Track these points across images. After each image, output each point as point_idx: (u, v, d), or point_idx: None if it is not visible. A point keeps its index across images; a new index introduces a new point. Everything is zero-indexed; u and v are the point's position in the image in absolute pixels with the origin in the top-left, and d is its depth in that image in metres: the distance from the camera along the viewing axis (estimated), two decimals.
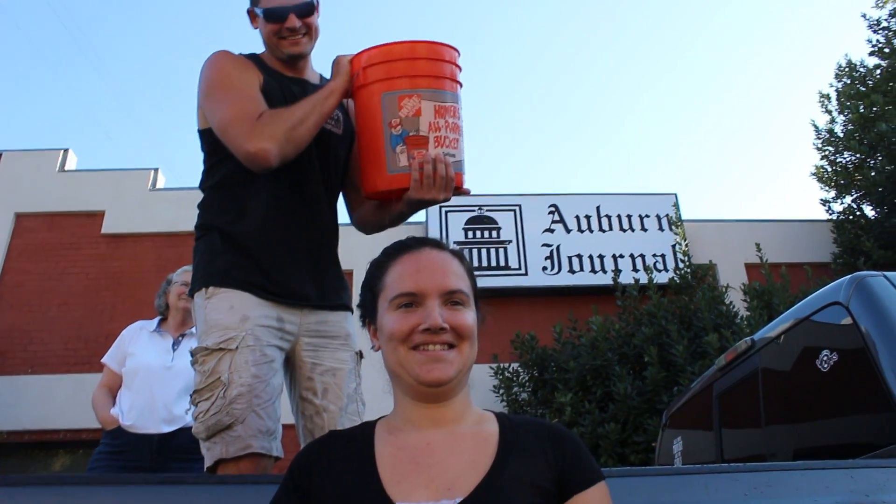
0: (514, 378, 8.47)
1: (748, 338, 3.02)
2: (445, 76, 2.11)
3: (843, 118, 9.74)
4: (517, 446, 1.29)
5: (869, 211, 9.03)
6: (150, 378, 3.52)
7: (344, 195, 2.44)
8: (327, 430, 2.07)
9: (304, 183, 2.18)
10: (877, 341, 2.17)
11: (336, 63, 2.16)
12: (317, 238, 2.21)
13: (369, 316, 1.42)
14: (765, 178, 33.60)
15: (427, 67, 2.07)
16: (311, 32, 2.24)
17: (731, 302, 7.73)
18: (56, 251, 9.79)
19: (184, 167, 35.33)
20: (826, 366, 2.37)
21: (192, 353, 1.99)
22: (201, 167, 2.27)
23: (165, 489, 1.49)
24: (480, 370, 7.97)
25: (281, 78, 2.23)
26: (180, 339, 3.70)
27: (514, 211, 10.12)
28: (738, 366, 3.02)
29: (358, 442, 1.33)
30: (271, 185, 2.10)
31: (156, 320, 3.79)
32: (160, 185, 10.51)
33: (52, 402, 8.68)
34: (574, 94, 33.40)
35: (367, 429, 1.37)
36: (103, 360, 3.74)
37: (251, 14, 2.26)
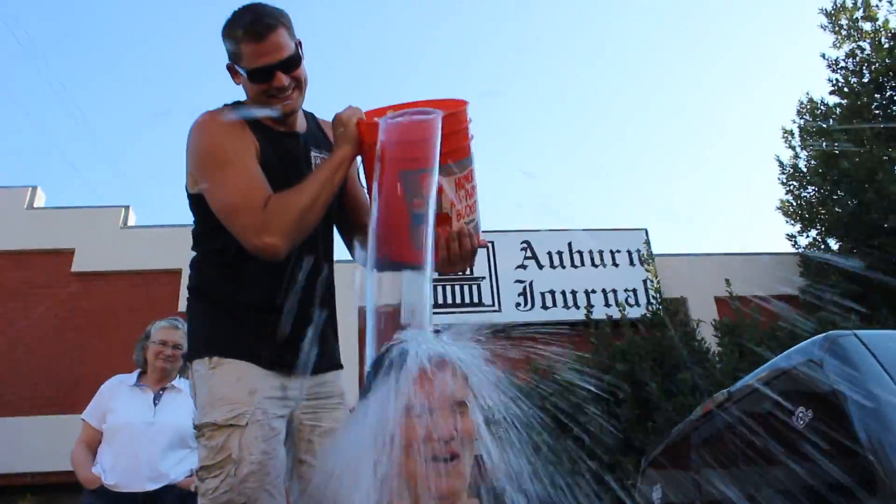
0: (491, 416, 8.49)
1: (724, 390, 3.10)
2: (463, 143, 2.01)
3: (807, 154, 10.00)
4: None
5: (833, 244, 9.26)
6: (133, 435, 3.49)
7: (343, 236, 2.38)
8: (328, 495, 2.07)
9: (305, 247, 2.11)
10: (849, 401, 2.25)
11: (341, 125, 2.04)
12: (317, 301, 2.15)
13: None
14: (734, 212, 34.20)
15: (446, 143, 1.92)
16: (300, 85, 2.14)
17: (702, 338, 7.85)
18: (25, 290, 9.64)
19: (155, 204, 34.90)
20: (801, 422, 2.44)
21: (198, 427, 1.95)
22: (192, 225, 2.20)
23: None
24: None
25: (273, 136, 2.15)
26: (161, 392, 3.68)
27: (487, 248, 10.20)
28: (715, 417, 3.08)
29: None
30: None
31: (135, 374, 3.76)
32: (131, 222, 10.43)
33: (19, 445, 8.50)
34: (544, 129, 33.83)
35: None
36: (83, 416, 3.70)
37: (231, 70, 2.15)
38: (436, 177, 1.85)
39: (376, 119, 2.02)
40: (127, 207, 10.35)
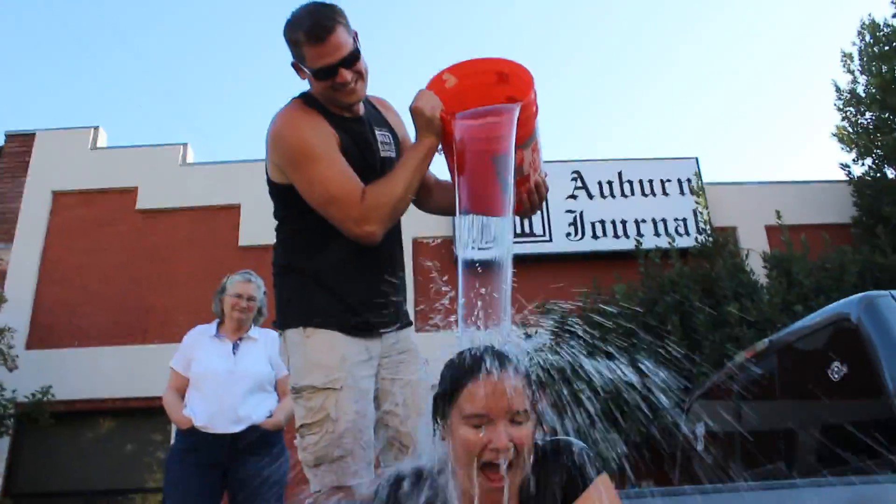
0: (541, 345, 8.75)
1: (766, 339, 3.26)
2: (534, 121, 2.25)
3: (866, 78, 9.70)
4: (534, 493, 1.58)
5: (891, 173, 9.08)
6: (217, 383, 3.82)
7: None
8: (413, 435, 2.32)
9: None
10: (882, 360, 2.40)
11: (424, 118, 2.22)
12: (390, 261, 2.42)
13: (441, 412, 1.64)
14: (786, 139, 33.11)
15: (523, 127, 2.16)
16: (362, 76, 2.31)
17: (750, 269, 7.92)
18: (94, 228, 10.10)
19: (212, 140, 35.20)
20: (836, 376, 2.60)
21: (297, 389, 2.22)
22: (273, 209, 2.41)
23: None
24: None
25: (345, 124, 2.33)
26: (238, 342, 3.99)
27: None
28: (757, 364, 3.25)
29: (439, 489, 1.60)
30: None
31: (214, 324, 4.07)
32: (190, 159, 10.75)
33: (98, 372, 9.10)
34: (593, 60, 32.95)
35: (444, 476, 1.62)
36: (171, 364, 4.04)
37: (296, 67, 2.32)
38: (512, 158, 2.12)
39: (456, 115, 2.24)
40: (185, 145, 10.65)
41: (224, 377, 3.83)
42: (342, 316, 2.25)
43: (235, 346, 3.96)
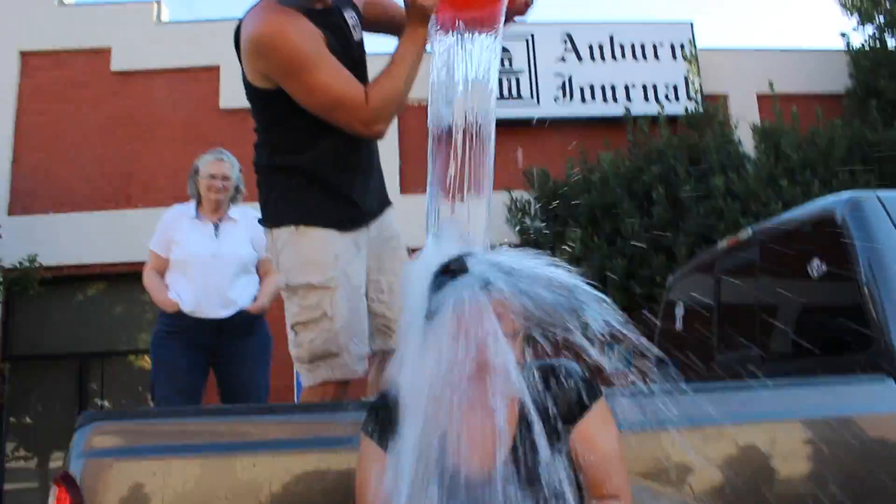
0: (527, 209, 8.79)
1: (750, 227, 3.27)
2: None
3: None
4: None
5: (891, 43, 8.79)
6: (202, 267, 3.78)
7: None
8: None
9: None
10: (861, 261, 2.41)
11: (422, 11, 2.10)
12: (370, 147, 2.40)
13: None
14: (786, 5, 31.64)
15: None
16: None
17: (739, 140, 7.85)
18: (67, 90, 9.76)
19: None
20: (816, 273, 2.63)
21: (291, 287, 2.23)
22: (253, 111, 2.34)
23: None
24: (494, 200, 8.25)
25: (323, 19, 2.21)
26: (219, 223, 3.91)
27: (527, 40, 9.91)
28: (739, 253, 3.27)
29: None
30: None
31: (192, 205, 3.96)
32: (165, 17, 10.26)
33: (83, 238, 9.08)
34: None
35: None
36: (150, 245, 3.96)
37: None
38: None
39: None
40: (158, 2, 10.13)
41: (209, 260, 3.78)
42: (334, 212, 2.24)
43: (217, 228, 3.89)
